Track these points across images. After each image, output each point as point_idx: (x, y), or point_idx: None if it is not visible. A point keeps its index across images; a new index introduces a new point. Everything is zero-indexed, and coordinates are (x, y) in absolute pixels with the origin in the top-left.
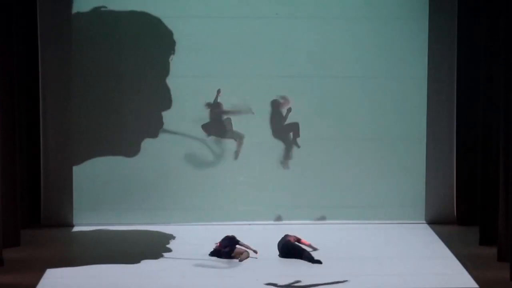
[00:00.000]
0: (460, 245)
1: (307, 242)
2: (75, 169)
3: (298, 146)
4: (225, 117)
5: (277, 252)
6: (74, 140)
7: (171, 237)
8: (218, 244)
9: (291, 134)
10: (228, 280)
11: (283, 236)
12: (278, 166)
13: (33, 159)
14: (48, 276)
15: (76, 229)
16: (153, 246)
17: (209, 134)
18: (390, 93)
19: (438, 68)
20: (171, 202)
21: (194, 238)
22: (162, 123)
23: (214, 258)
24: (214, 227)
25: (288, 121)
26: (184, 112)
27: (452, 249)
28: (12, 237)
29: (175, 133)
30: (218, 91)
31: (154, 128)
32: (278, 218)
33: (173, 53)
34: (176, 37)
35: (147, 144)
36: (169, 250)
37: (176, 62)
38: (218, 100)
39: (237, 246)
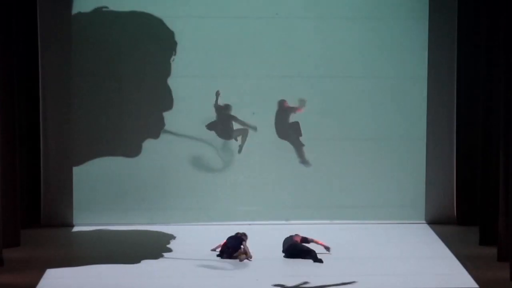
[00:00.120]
0: (460, 245)
1: (320, 241)
2: (75, 169)
3: (303, 145)
4: (230, 118)
5: (277, 252)
6: (74, 140)
7: (172, 237)
8: (224, 242)
9: (294, 133)
10: (228, 280)
11: (288, 236)
12: (278, 166)
13: (33, 159)
14: (48, 276)
15: (76, 229)
16: (154, 246)
17: (215, 133)
18: (390, 93)
19: (438, 68)
20: (171, 202)
21: (194, 238)
22: (163, 124)
23: (215, 258)
24: (214, 227)
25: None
26: (185, 113)
27: (452, 249)
28: (12, 237)
29: (176, 134)
30: (217, 93)
31: (156, 128)
32: (287, 219)
33: (174, 54)
34: (177, 37)
35: (149, 145)
36: (170, 250)
37: (177, 63)
38: (219, 102)
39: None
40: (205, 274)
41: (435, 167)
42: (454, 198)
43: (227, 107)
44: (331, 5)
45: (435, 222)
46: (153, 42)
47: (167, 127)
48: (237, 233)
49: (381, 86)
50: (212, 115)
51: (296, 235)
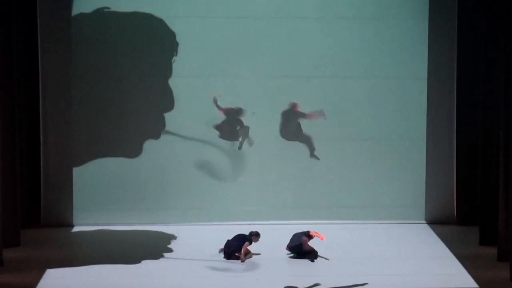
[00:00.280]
0: (460, 245)
1: (320, 235)
2: (75, 169)
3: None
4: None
5: (278, 252)
6: (74, 140)
7: (173, 237)
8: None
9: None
10: (228, 280)
11: (299, 233)
12: (278, 166)
13: (33, 159)
14: (48, 276)
15: (76, 229)
16: (154, 246)
17: (220, 133)
18: (390, 93)
19: (438, 68)
20: (171, 202)
21: (194, 238)
22: (164, 125)
23: (215, 258)
24: (214, 227)
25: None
26: (186, 113)
27: (452, 249)
28: (12, 237)
29: (176, 134)
30: (215, 99)
31: (156, 129)
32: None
33: (176, 55)
34: (178, 38)
35: (149, 145)
36: (170, 250)
37: (177, 63)
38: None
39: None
40: (205, 274)
41: (435, 167)
42: (454, 198)
43: (240, 111)
44: (331, 5)
45: (435, 222)
46: (153, 42)
47: (168, 127)
48: (251, 232)
49: (381, 86)
50: (213, 116)
51: (307, 235)
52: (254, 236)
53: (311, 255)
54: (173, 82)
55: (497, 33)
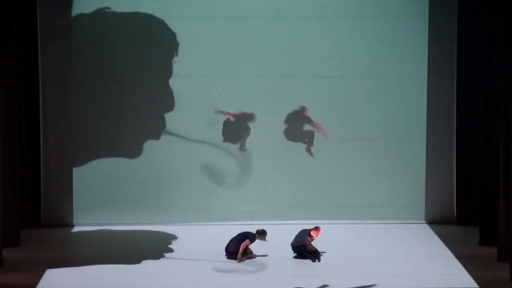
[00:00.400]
0: (460, 245)
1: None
2: (75, 169)
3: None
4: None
5: (278, 252)
6: (74, 140)
7: (173, 237)
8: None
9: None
10: (228, 280)
11: (305, 230)
12: (279, 166)
13: (33, 159)
14: (48, 276)
15: (76, 229)
16: (154, 246)
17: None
18: (390, 93)
19: (438, 68)
20: (171, 202)
21: (195, 238)
22: (164, 125)
23: (215, 258)
24: (215, 227)
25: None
26: (187, 114)
27: (452, 249)
28: (12, 237)
29: (177, 135)
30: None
31: (157, 129)
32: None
33: (176, 55)
34: (178, 38)
35: (149, 145)
36: (171, 251)
37: (177, 63)
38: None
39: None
40: (205, 274)
41: (435, 167)
42: (454, 198)
43: (251, 116)
44: (331, 5)
45: (435, 222)
46: (153, 42)
47: (168, 128)
48: (257, 230)
49: (381, 86)
50: (213, 116)
51: (312, 234)
52: (260, 234)
53: (313, 255)
54: (173, 82)
55: (497, 33)
